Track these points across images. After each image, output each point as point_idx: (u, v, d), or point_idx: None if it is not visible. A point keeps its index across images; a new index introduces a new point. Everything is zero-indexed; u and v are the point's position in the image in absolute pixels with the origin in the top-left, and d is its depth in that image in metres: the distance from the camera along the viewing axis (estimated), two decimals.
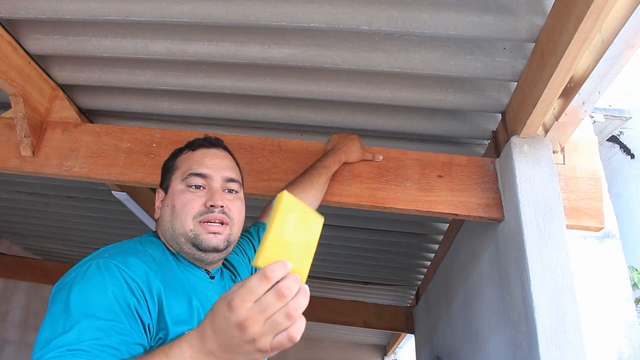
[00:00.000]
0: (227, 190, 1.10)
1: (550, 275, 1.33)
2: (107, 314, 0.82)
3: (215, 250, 1.04)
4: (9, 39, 1.61)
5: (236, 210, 1.09)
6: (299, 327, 0.67)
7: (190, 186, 1.07)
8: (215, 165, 1.10)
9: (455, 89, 1.60)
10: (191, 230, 1.03)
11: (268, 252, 0.66)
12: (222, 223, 1.05)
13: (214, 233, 1.04)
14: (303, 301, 0.66)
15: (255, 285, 0.65)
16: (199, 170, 1.08)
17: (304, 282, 0.68)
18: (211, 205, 1.04)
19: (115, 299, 0.85)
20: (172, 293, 0.96)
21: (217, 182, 1.08)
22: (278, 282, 0.65)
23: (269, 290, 0.65)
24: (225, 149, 1.18)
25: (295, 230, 0.69)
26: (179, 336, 0.74)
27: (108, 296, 0.85)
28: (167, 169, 1.15)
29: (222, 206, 1.05)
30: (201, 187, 1.07)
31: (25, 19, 1.56)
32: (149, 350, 0.85)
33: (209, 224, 1.04)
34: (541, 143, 1.49)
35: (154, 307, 0.91)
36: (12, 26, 1.63)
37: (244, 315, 0.64)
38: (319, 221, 0.72)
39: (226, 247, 1.06)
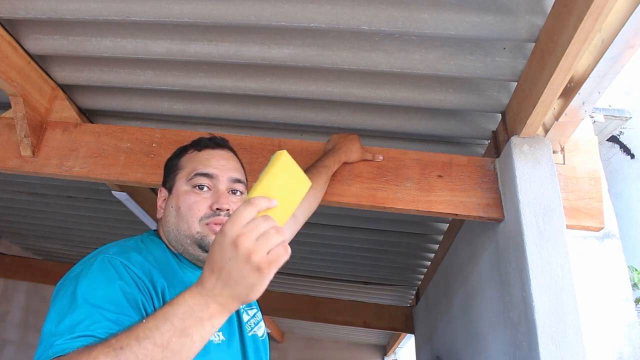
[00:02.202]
0: (231, 192, 1.10)
1: (550, 275, 1.33)
2: (116, 307, 0.82)
3: None
4: (9, 39, 1.61)
5: None
6: (287, 246, 0.71)
7: (196, 187, 1.06)
8: (222, 167, 1.10)
9: (455, 89, 1.60)
10: (198, 232, 1.03)
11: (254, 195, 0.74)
12: None
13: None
14: (285, 231, 0.73)
15: (242, 210, 0.71)
16: (206, 171, 1.07)
17: None
18: (217, 209, 1.04)
19: (123, 293, 0.85)
20: (175, 291, 0.96)
21: (223, 184, 1.08)
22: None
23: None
24: (231, 149, 1.17)
25: (283, 187, 0.75)
26: None
27: (115, 290, 0.85)
28: (171, 168, 1.14)
29: (228, 209, 1.05)
30: (206, 188, 1.07)
31: (25, 19, 1.56)
32: None
33: (215, 225, 1.04)
34: (541, 143, 1.49)
35: (158, 304, 0.91)
36: (12, 26, 1.63)
37: (235, 232, 0.69)
38: (306, 185, 0.79)
39: None
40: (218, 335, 1.00)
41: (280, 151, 0.76)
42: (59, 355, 0.73)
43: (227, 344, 1.02)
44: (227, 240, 0.69)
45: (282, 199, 0.75)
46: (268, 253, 0.69)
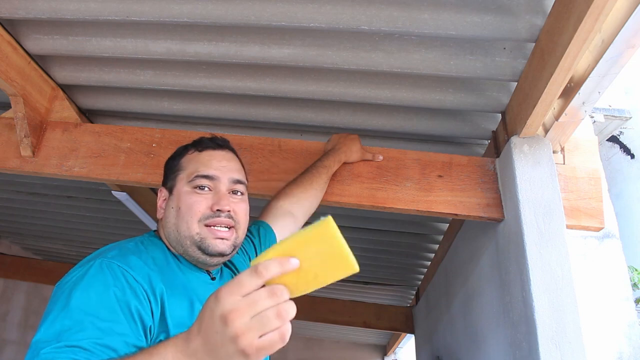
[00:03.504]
0: (232, 192, 1.09)
1: (550, 275, 1.33)
2: (108, 315, 0.82)
3: (222, 255, 1.04)
4: (9, 39, 1.61)
5: (242, 212, 1.08)
6: (288, 329, 0.62)
7: (197, 187, 1.06)
8: (223, 168, 1.09)
9: (455, 89, 1.60)
10: (197, 234, 1.03)
11: (269, 257, 0.62)
12: (228, 227, 1.05)
13: (221, 239, 1.03)
14: (291, 309, 0.62)
15: (245, 279, 0.61)
16: (206, 172, 1.07)
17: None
18: (218, 210, 1.04)
19: (117, 300, 0.84)
20: (173, 295, 0.96)
21: (224, 185, 1.08)
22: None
23: (260, 288, 0.61)
24: (232, 150, 1.17)
25: (313, 258, 0.62)
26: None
27: (109, 297, 0.84)
28: (172, 168, 1.14)
29: (228, 210, 1.04)
30: (207, 189, 1.06)
31: (25, 19, 1.56)
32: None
33: (216, 228, 1.03)
34: (541, 143, 1.49)
35: (157, 308, 0.91)
36: (12, 26, 1.63)
37: (229, 306, 0.61)
38: (347, 269, 0.62)
39: (232, 251, 1.06)
40: None
41: (327, 217, 0.60)
42: None
43: None
44: (217, 311, 0.61)
45: (307, 269, 0.62)
46: (260, 337, 0.60)
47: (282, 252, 0.62)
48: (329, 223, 0.60)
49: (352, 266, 0.61)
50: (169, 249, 1.08)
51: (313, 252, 0.61)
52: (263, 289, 0.61)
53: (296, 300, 0.64)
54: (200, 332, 0.65)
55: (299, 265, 0.61)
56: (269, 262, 0.61)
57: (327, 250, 0.61)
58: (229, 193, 1.08)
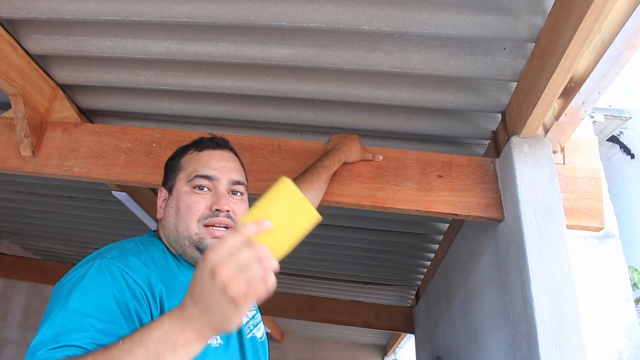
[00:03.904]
0: (231, 192, 1.09)
1: (550, 275, 1.33)
2: (107, 316, 0.82)
3: None
4: (9, 39, 1.61)
5: (241, 213, 1.08)
6: (272, 275, 0.68)
7: (196, 187, 1.06)
8: (222, 168, 1.09)
9: (455, 89, 1.60)
10: (196, 234, 1.03)
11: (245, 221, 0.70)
12: (227, 227, 1.04)
13: (219, 239, 1.03)
14: (274, 262, 0.68)
15: (228, 237, 0.68)
16: (206, 173, 1.07)
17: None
18: (216, 210, 1.04)
19: (116, 302, 0.84)
20: (173, 295, 0.96)
21: (223, 185, 1.08)
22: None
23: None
24: (232, 150, 1.17)
25: (281, 214, 0.70)
26: None
27: (109, 298, 0.84)
28: (171, 168, 1.14)
29: (227, 210, 1.04)
30: (206, 189, 1.06)
31: (25, 19, 1.56)
32: None
33: (214, 228, 1.03)
34: (541, 143, 1.49)
35: (156, 309, 0.91)
36: (12, 26, 1.63)
37: (215, 261, 0.67)
38: (312, 217, 0.72)
39: None
40: (216, 339, 0.99)
41: (282, 178, 0.71)
42: None
43: (225, 347, 1.01)
44: (206, 269, 0.67)
45: (279, 227, 0.70)
46: (246, 285, 0.66)
47: (254, 215, 0.70)
48: (285, 181, 0.71)
49: (314, 214, 0.72)
50: (168, 249, 1.08)
51: (279, 210, 0.70)
52: (243, 243, 0.68)
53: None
54: (192, 296, 0.70)
55: (272, 226, 0.69)
56: (247, 223, 0.69)
57: (290, 204, 0.71)
58: (228, 193, 1.08)
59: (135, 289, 0.89)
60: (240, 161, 1.18)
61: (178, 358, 0.70)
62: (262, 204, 0.71)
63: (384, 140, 1.91)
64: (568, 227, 1.46)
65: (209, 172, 1.07)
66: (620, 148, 3.39)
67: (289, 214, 0.71)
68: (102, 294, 0.84)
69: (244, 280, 0.66)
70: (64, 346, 0.75)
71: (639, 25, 1.09)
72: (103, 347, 0.72)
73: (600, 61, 1.20)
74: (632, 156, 3.33)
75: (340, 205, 1.64)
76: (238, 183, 1.10)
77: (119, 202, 2.45)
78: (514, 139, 1.50)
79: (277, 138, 1.75)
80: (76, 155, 1.76)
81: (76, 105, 1.94)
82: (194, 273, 0.71)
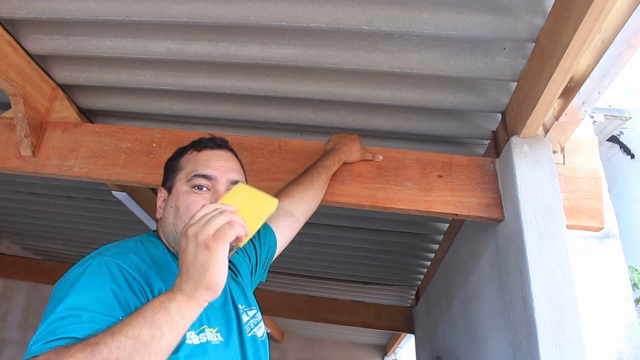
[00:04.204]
0: None
1: (550, 275, 1.33)
2: (107, 310, 0.82)
3: None
4: (9, 39, 1.61)
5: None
6: (237, 222, 0.80)
7: (195, 187, 1.06)
8: (222, 167, 1.09)
9: (455, 89, 1.60)
10: None
11: None
12: None
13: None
14: (238, 217, 0.81)
15: (197, 211, 0.83)
16: (205, 172, 1.07)
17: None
18: None
19: (115, 297, 0.85)
20: None
21: (222, 185, 1.07)
22: None
23: None
24: (231, 150, 1.17)
25: (243, 201, 0.88)
26: None
27: (107, 293, 0.84)
28: (171, 168, 1.14)
29: None
30: (205, 189, 1.06)
31: (25, 19, 1.56)
32: None
33: None
34: (541, 143, 1.49)
35: None
36: (12, 26, 1.63)
37: (186, 226, 0.81)
38: (271, 202, 0.92)
39: (230, 251, 1.06)
40: (216, 336, 1.00)
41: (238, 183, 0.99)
42: (36, 355, 0.73)
43: (225, 345, 1.01)
44: (181, 236, 0.80)
45: (243, 209, 0.85)
46: (214, 231, 0.77)
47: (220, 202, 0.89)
48: (240, 184, 0.97)
49: (274, 200, 0.92)
50: (168, 248, 1.08)
51: (241, 198, 0.90)
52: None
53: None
54: (180, 269, 0.80)
55: (236, 209, 0.85)
56: (211, 203, 0.85)
57: (251, 195, 0.92)
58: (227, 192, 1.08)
59: (134, 285, 0.89)
60: (240, 161, 1.18)
61: (173, 323, 0.76)
62: (224, 198, 0.90)
63: (384, 140, 1.91)
64: (568, 227, 1.46)
65: (208, 172, 1.07)
66: (620, 148, 3.39)
67: (249, 200, 0.89)
68: (102, 288, 0.85)
69: (210, 226, 0.78)
70: (60, 338, 0.75)
71: (639, 25, 1.09)
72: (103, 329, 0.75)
73: (600, 61, 1.20)
74: (632, 156, 3.33)
75: (340, 205, 1.64)
76: (237, 182, 1.10)
77: (119, 202, 2.45)
78: (514, 139, 1.50)
79: (277, 138, 1.75)
80: (76, 155, 1.76)
81: (76, 105, 1.94)
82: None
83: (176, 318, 0.76)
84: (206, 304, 0.79)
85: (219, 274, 0.78)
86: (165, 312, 0.75)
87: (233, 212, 0.83)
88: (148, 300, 0.90)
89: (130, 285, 0.88)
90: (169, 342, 0.75)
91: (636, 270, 2.63)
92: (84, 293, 0.83)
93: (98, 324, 0.79)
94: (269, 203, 0.91)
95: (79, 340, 0.73)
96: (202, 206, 0.84)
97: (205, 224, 0.78)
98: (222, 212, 0.80)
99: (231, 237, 0.78)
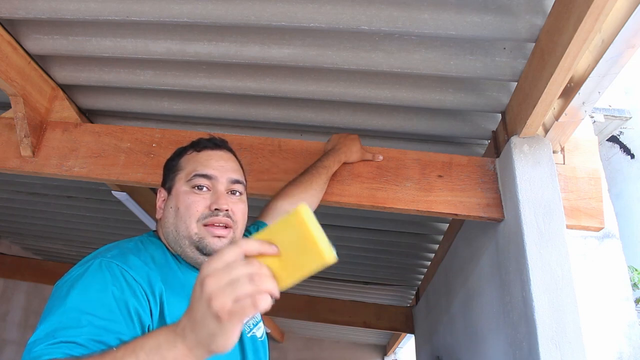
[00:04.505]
0: (230, 192, 1.09)
1: (550, 275, 1.33)
2: (106, 313, 0.82)
3: None
4: (9, 39, 1.61)
5: (240, 212, 1.08)
6: (264, 296, 0.61)
7: (195, 187, 1.06)
8: (221, 167, 1.09)
9: (455, 89, 1.60)
10: (196, 234, 1.02)
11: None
12: (226, 227, 1.04)
13: (219, 237, 1.03)
14: (271, 284, 0.62)
15: (226, 249, 0.64)
16: (204, 172, 1.07)
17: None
18: (216, 209, 1.04)
19: (115, 299, 0.84)
20: (173, 294, 0.96)
21: (222, 185, 1.08)
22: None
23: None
24: (230, 150, 1.17)
25: (290, 242, 0.63)
26: None
27: (107, 296, 0.84)
28: (170, 169, 1.14)
29: (227, 210, 1.04)
30: (205, 189, 1.06)
31: (25, 19, 1.56)
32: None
33: (214, 227, 1.03)
34: (541, 143, 1.49)
35: (155, 308, 0.91)
36: (12, 26, 1.62)
37: (207, 272, 0.63)
38: (322, 257, 0.62)
39: None
40: None
41: (301, 205, 0.63)
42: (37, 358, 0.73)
43: None
44: (198, 280, 0.64)
45: (287, 254, 0.63)
46: (234, 301, 0.61)
47: (262, 237, 0.65)
48: (300, 209, 0.62)
49: (323, 254, 0.61)
50: (168, 249, 1.08)
51: (288, 239, 0.63)
52: (241, 260, 0.63)
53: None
54: (189, 308, 0.67)
55: (278, 251, 0.63)
56: (250, 239, 0.64)
57: (300, 236, 0.62)
58: (227, 193, 1.08)
59: (134, 287, 0.89)
60: (239, 161, 1.18)
61: None
62: (274, 227, 0.65)
63: (384, 140, 1.91)
64: (568, 227, 1.46)
65: (208, 171, 1.07)
66: (620, 148, 3.39)
67: (298, 246, 0.63)
68: (101, 291, 0.84)
69: (230, 295, 0.61)
70: (62, 342, 0.75)
71: (639, 25, 1.09)
72: (98, 351, 0.71)
73: (600, 61, 1.20)
74: (632, 156, 3.33)
75: (340, 205, 1.64)
76: (237, 182, 1.10)
77: (119, 202, 2.45)
78: (514, 139, 1.50)
79: (277, 138, 1.75)
80: (76, 155, 1.76)
81: (76, 105, 1.94)
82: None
83: None
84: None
85: (227, 344, 0.65)
86: None
87: (271, 254, 0.64)
88: (149, 303, 0.90)
89: (130, 287, 0.88)
90: None
91: (636, 270, 2.63)
92: (83, 295, 0.83)
93: (97, 327, 0.78)
94: (322, 257, 0.62)
95: (78, 347, 0.73)
96: (229, 246, 0.64)
97: (225, 288, 0.61)
98: (251, 278, 0.61)
99: (250, 316, 0.62)
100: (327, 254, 0.62)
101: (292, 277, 0.63)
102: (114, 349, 0.70)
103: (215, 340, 0.64)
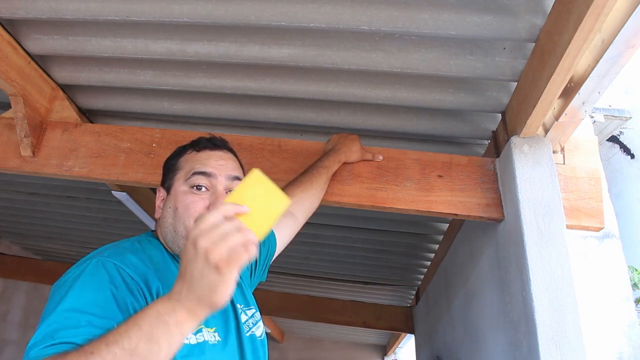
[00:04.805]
0: (230, 192, 1.09)
1: (550, 275, 1.33)
2: (105, 312, 0.82)
3: None
4: (9, 39, 1.61)
5: None
6: (252, 243, 0.71)
7: (193, 187, 1.06)
8: (221, 167, 1.09)
9: (455, 89, 1.60)
10: None
11: None
12: None
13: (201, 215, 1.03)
14: (252, 235, 0.72)
15: (208, 214, 0.72)
16: (204, 169, 1.07)
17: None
18: None
19: (114, 298, 0.84)
20: None
21: (221, 184, 1.07)
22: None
23: None
24: (230, 150, 1.16)
25: (255, 199, 0.78)
26: None
27: (106, 295, 0.84)
28: (169, 168, 1.14)
29: None
30: (204, 189, 1.06)
31: (25, 19, 1.56)
32: None
33: None
34: (541, 143, 1.49)
35: None
36: (12, 26, 1.63)
37: (197, 233, 0.71)
38: (283, 201, 0.80)
39: None
40: (214, 336, 0.99)
41: (252, 169, 0.80)
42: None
43: (223, 345, 1.01)
44: (189, 242, 0.71)
45: (255, 210, 0.77)
46: (228, 251, 0.69)
47: (231, 200, 0.78)
48: (256, 171, 0.80)
49: (286, 199, 0.80)
50: (166, 248, 1.08)
51: (253, 196, 0.78)
52: (222, 216, 0.72)
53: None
54: (180, 274, 0.73)
55: (248, 210, 0.76)
56: (225, 203, 0.75)
57: (264, 191, 0.79)
58: (226, 192, 1.08)
59: (132, 285, 0.89)
60: (240, 161, 1.18)
61: (171, 338, 0.72)
62: (238, 191, 0.79)
63: (384, 140, 1.91)
64: (568, 227, 1.46)
65: (207, 169, 1.07)
66: (620, 148, 3.39)
67: (262, 198, 0.78)
68: (99, 290, 0.84)
69: (225, 247, 0.69)
70: (59, 343, 0.75)
71: (639, 25, 1.09)
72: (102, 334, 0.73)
73: (600, 61, 1.20)
74: (632, 156, 3.33)
75: (340, 205, 1.64)
76: (237, 179, 1.10)
77: (119, 202, 2.45)
78: (514, 139, 1.50)
79: (277, 138, 1.75)
80: (76, 155, 1.76)
81: (76, 105, 1.94)
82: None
83: (175, 333, 0.72)
84: (205, 317, 0.76)
85: (227, 294, 0.72)
86: (164, 327, 0.71)
87: (244, 213, 0.75)
88: (146, 301, 0.90)
89: (128, 285, 0.88)
90: (167, 356, 0.72)
91: (636, 270, 2.63)
92: (81, 295, 0.83)
93: (96, 327, 0.78)
94: (281, 202, 0.80)
95: (76, 346, 0.73)
96: (214, 208, 0.74)
97: (219, 242, 0.70)
98: (238, 230, 0.71)
99: (245, 261, 0.71)
100: (287, 198, 0.80)
101: (262, 227, 0.77)
102: (115, 327, 0.73)
103: (217, 291, 0.71)
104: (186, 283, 0.72)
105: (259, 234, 0.76)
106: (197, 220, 0.73)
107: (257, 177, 0.79)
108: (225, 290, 0.71)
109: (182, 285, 0.73)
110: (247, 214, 0.76)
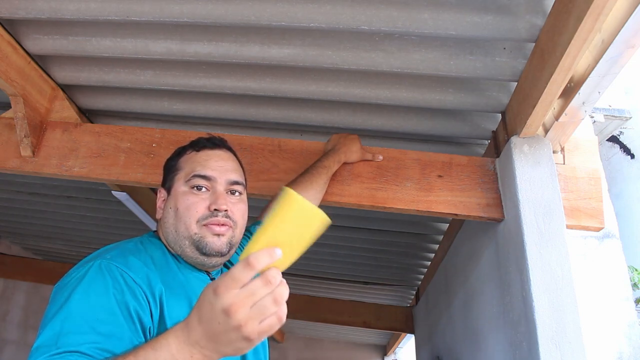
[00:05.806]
0: (230, 192, 1.09)
1: (550, 275, 1.33)
2: (108, 318, 0.81)
3: (219, 254, 1.04)
4: (9, 39, 1.61)
5: (239, 213, 1.08)
6: (284, 311, 0.69)
7: (194, 187, 1.06)
8: (220, 168, 1.09)
9: (455, 89, 1.60)
10: (196, 234, 1.02)
11: (258, 247, 0.67)
12: (225, 226, 1.05)
13: (218, 235, 1.03)
14: (285, 291, 0.69)
15: (239, 273, 0.65)
16: (203, 172, 1.07)
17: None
18: (215, 209, 1.03)
19: (116, 302, 0.84)
20: (172, 295, 0.96)
21: (221, 185, 1.07)
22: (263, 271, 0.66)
23: (253, 278, 0.66)
24: (230, 149, 1.17)
25: (291, 229, 0.68)
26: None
27: (109, 299, 0.84)
28: (170, 169, 1.14)
29: (225, 210, 1.04)
30: (204, 189, 1.06)
31: (25, 19, 1.56)
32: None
33: (214, 226, 1.03)
34: (541, 143, 1.49)
35: (155, 309, 0.91)
36: (12, 26, 1.62)
37: (229, 300, 0.64)
38: (318, 218, 0.68)
39: (229, 251, 1.06)
40: None
41: (285, 189, 0.68)
42: None
43: None
44: (218, 306, 0.65)
45: (289, 241, 0.68)
46: (260, 323, 0.66)
47: (267, 240, 0.67)
48: (289, 190, 0.67)
49: (323, 218, 0.68)
50: (167, 249, 1.08)
51: (289, 224, 0.68)
52: (258, 279, 0.66)
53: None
54: (201, 322, 0.68)
55: (282, 253, 0.67)
56: (259, 254, 0.66)
57: (300, 216, 0.68)
58: (226, 193, 1.08)
59: (134, 288, 0.88)
60: (239, 161, 1.18)
61: None
62: (274, 222, 0.68)
63: (384, 140, 1.91)
64: (568, 227, 1.46)
65: (207, 172, 1.07)
66: (620, 148, 3.39)
67: (298, 225, 0.68)
68: (102, 295, 0.84)
69: (259, 319, 0.66)
70: (66, 352, 0.74)
71: (639, 25, 1.09)
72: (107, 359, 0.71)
73: (600, 61, 1.20)
74: (632, 156, 3.34)
75: (340, 205, 1.64)
76: (236, 183, 1.10)
77: (119, 202, 2.45)
78: (514, 139, 1.50)
79: (277, 138, 1.75)
80: (76, 155, 1.76)
81: (76, 105, 1.94)
82: (199, 298, 0.69)
83: None
84: None
85: (249, 350, 0.70)
86: None
87: (279, 258, 0.68)
88: (149, 305, 0.90)
89: (130, 289, 0.88)
90: None
91: (636, 270, 2.63)
92: (85, 299, 0.83)
93: (99, 333, 0.78)
94: (318, 223, 0.69)
95: (82, 357, 0.73)
96: (245, 262, 0.65)
97: (255, 313, 0.65)
98: (275, 302, 0.67)
99: (274, 331, 0.68)
100: (324, 216, 0.69)
101: (296, 253, 0.70)
102: (123, 357, 0.69)
103: (241, 352, 0.69)
104: (208, 336, 0.68)
105: (290, 262, 0.70)
106: (229, 276, 0.65)
107: (294, 195, 0.68)
108: (249, 349, 0.69)
109: (202, 335, 0.68)
110: (283, 242, 0.68)
